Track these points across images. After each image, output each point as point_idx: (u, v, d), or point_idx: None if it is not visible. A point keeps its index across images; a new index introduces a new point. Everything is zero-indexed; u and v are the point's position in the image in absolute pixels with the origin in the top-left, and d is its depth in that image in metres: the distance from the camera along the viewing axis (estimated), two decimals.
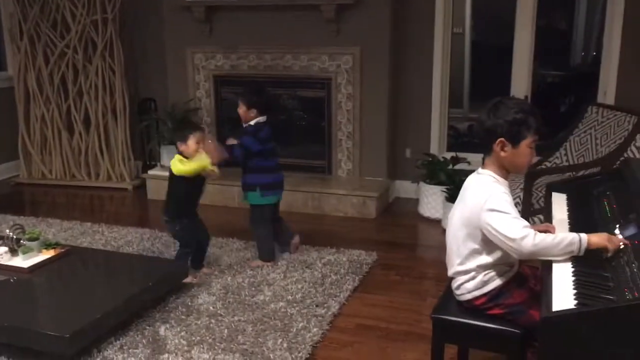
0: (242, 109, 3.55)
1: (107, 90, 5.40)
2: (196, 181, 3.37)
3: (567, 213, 2.38)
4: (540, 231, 2.06)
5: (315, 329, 2.93)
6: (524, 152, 2.04)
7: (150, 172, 5.26)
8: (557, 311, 1.58)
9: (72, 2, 5.28)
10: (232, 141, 3.58)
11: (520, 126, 2.01)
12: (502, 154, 2.05)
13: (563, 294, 1.70)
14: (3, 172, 5.75)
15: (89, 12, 5.26)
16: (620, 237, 1.93)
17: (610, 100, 4.41)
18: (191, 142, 3.29)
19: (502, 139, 2.03)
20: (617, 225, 2.01)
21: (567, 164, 4.01)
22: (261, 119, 3.56)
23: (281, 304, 3.19)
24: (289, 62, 4.91)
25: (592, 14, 6.63)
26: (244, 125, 3.59)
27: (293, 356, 2.70)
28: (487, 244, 2.06)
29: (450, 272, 2.19)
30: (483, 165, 2.14)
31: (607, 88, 4.46)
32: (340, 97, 4.85)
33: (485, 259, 2.09)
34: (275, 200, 3.71)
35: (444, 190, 4.35)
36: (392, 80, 4.78)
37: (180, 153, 3.34)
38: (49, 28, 5.37)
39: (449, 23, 4.81)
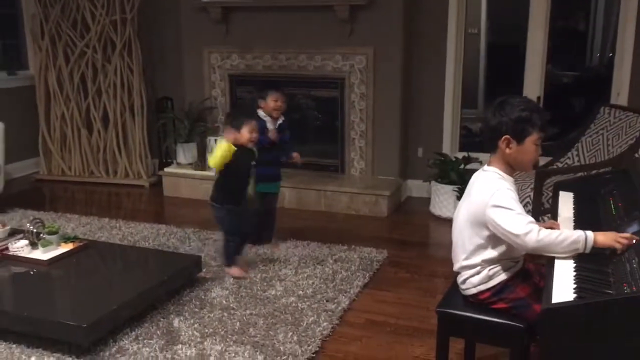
0: (284, 104, 3.82)
1: (125, 89, 5.52)
2: (239, 169, 3.41)
3: (573, 211, 2.42)
4: (545, 228, 2.11)
5: (325, 323, 2.99)
6: (529, 149, 2.08)
7: (167, 169, 5.36)
8: (557, 303, 1.63)
9: (92, 2, 5.40)
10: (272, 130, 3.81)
11: (525, 123, 2.06)
12: (508, 150, 2.09)
13: (564, 287, 1.74)
14: (24, 169, 5.89)
15: (109, 12, 5.38)
16: (629, 234, 1.94)
17: (623, 101, 4.42)
18: (244, 131, 3.35)
19: (507, 136, 2.07)
20: (619, 223, 2.04)
21: (578, 164, 4.03)
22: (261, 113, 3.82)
23: (292, 298, 3.25)
24: (303, 62, 4.97)
25: (610, 15, 6.61)
26: (280, 121, 3.85)
27: (303, 349, 2.76)
28: (492, 239, 2.11)
29: (456, 267, 2.24)
30: (489, 162, 2.19)
31: (621, 89, 4.47)
32: (354, 97, 4.90)
33: (491, 253, 2.13)
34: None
35: (456, 189, 4.39)
36: (404, 80, 4.83)
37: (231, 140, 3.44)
38: (69, 28, 5.50)
39: (462, 23, 4.84)
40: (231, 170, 3.37)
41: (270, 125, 3.78)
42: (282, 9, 4.88)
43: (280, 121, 3.85)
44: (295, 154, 3.90)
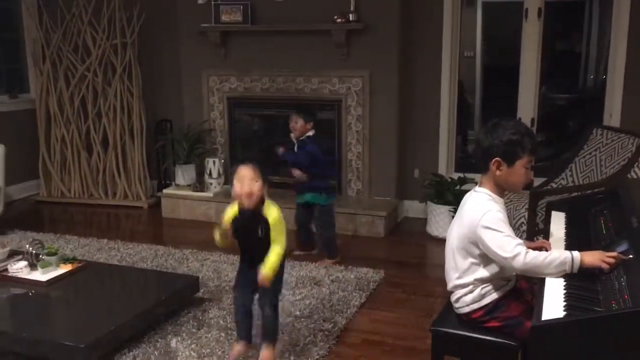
0: (299, 123, 4.01)
1: (125, 112, 5.59)
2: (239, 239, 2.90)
3: (565, 230, 2.46)
4: (536, 247, 2.15)
5: (321, 343, 3.01)
6: (519, 171, 2.13)
7: (165, 191, 5.41)
8: (546, 320, 1.66)
9: (92, 27, 5.50)
10: (282, 150, 4.14)
11: (516, 147, 2.11)
12: (498, 172, 2.14)
13: (553, 305, 1.78)
14: (24, 191, 5.94)
15: (109, 37, 5.47)
16: (615, 253, 1.99)
17: (616, 122, 4.48)
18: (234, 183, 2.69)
19: (497, 158, 2.12)
20: (608, 242, 2.08)
21: (572, 184, 4.07)
22: (312, 132, 4.04)
23: (289, 319, 3.27)
24: (300, 84, 5.05)
25: (603, 38, 6.72)
26: (301, 138, 4.05)
27: None
28: (484, 258, 2.15)
29: (449, 286, 2.28)
30: (480, 183, 2.24)
31: (613, 111, 4.54)
32: (350, 119, 4.97)
33: (483, 272, 2.17)
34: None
35: (451, 210, 4.43)
36: (400, 101, 4.90)
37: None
38: (70, 52, 5.59)
39: (457, 47, 4.93)
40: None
41: (296, 142, 4.09)
42: (280, 33, 4.97)
43: (302, 138, 4.07)
44: (296, 173, 4.08)
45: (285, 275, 3.82)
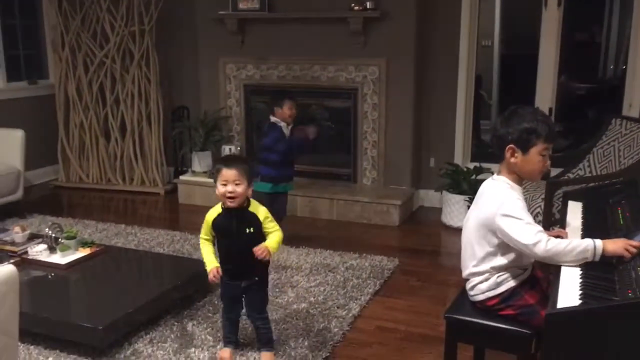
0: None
1: (142, 98, 5.63)
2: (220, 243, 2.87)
3: (582, 220, 2.44)
4: (553, 236, 2.14)
5: (335, 329, 3.03)
6: (534, 159, 2.12)
7: (182, 177, 5.45)
8: (560, 308, 1.66)
9: (111, 14, 5.53)
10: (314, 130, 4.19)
11: (530, 134, 2.09)
12: (513, 160, 2.13)
13: (569, 294, 1.77)
14: (43, 176, 6.02)
15: (127, 23, 5.50)
16: (637, 242, 1.96)
17: (635, 112, 4.43)
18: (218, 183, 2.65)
19: (511, 145, 2.11)
20: (626, 232, 2.06)
21: (590, 175, 4.04)
22: (274, 119, 4.04)
23: (303, 305, 3.30)
24: (316, 72, 5.05)
25: (624, 27, 6.63)
26: (290, 126, 4.05)
27: (313, 354, 2.80)
28: (501, 247, 2.14)
29: (464, 274, 2.27)
30: (498, 172, 2.23)
31: (632, 100, 4.48)
32: (366, 107, 4.96)
33: (499, 261, 2.16)
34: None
35: (467, 199, 4.42)
36: (417, 90, 4.88)
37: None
38: (89, 39, 5.63)
39: (475, 35, 4.89)
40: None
41: (286, 131, 4.00)
42: (297, 20, 4.96)
43: (290, 127, 4.05)
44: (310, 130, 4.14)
45: (297, 260, 3.87)
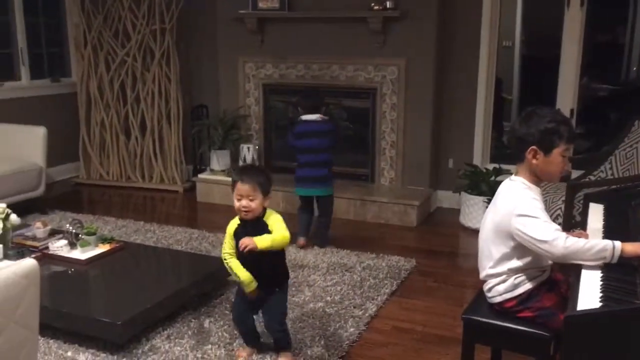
0: None
1: (162, 97, 5.68)
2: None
3: (603, 222, 2.41)
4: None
5: (352, 329, 3.03)
6: (556, 160, 2.09)
7: (201, 175, 5.48)
8: (581, 310, 1.64)
9: (132, 13, 5.59)
10: None
11: (552, 135, 2.07)
12: (534, 161, 2.11)
13: (589, 296, 1.75)
14: (64, 173, 6.09)
15: (148, 22, 5.55)
16: None
17: None
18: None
19: (534, 147, 2.09)
20: None
21: (612, 177, 3.98)
22: (304, 117, 4.02)
23: (320, 304, 3.30)
24: (335, 72, 5.05)
25: None
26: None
27: (329, 353, 2.80)
28: (518, 248, 2.12)
29: (482, 275, 2.26)
30: (516, 172, 2.21)
31: None
32: (385, 107, 4.95)
33: (517, 263, 2.14)
34: (304, 193, 4.12)
35: (486, 200, 4.38)
36: (436, 91, 4.85)
37: None
38: (111, 37, 5.69)
39: (496, 36, 4.85)
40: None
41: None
42: (316, 20, 4.97)
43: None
44: None
45: (314, 259, 3.87)
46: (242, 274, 2.57)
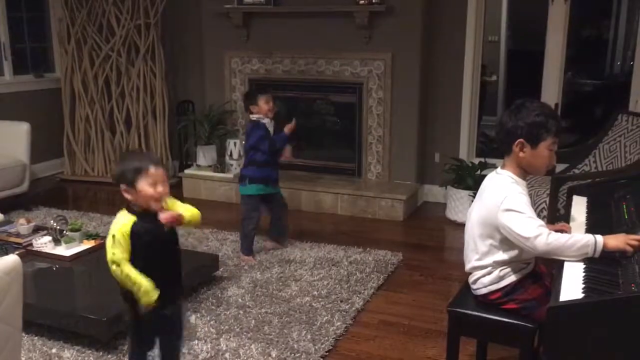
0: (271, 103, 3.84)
1: (148, 92, 5.64)
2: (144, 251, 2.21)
3: (586, 215, 2.43)
4: (556, 231, 2.13)
5: (338, 323, 3.03)
6: (542, 153, 2.10)
7: (187, 171, 5.46)
8: (563, 301, 1.65)
9: (117, 7, 5.54)
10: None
11: (540, 128, 2.08)
12: (521, 154, 2.12)
13: (572, 287, 1.76)
14: (49, 169, 6.04)
15: (133, 17, 5.51)
16: (638, 236, 1.96)
17: None
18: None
19: (521, 139, 2.09)
20: (630, 226, 2.05)
21: (595, 170, 4.02)
22: (255, 116, 3.81)
23: (307, 298, 3.30)
24: (321, 67, 5.04)
25: (632, 23, 6.59)
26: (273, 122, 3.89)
27: (316, 347, 2.81)
28: (504, 241, 2.13)
29: (467, 268, 2.27)
30: (502, 165, 2.22)
31: (639, 96, 4.45)
32: (371, 102, 4.95)
33: (502, 255, 2.16)
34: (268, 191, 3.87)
35: (471, 194, 4.40)
36: (422, 85, 4.86)
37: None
38: (95, 32, 5.64)
39: (481, 30, 4.86)
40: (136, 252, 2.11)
41: (270, 127, 3.82)
42: (302, 14, 4.95)
43: (273, 122, 3.86)
44: (287, 150, 3.90)
45: (301, 254, 3.87)
46: (144, 280, 2.05)
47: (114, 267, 2.08)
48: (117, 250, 2.07)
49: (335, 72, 5.01)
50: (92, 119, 5.80)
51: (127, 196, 2.11)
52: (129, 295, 2.13)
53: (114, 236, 2.08)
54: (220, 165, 5.30)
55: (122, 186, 2.10)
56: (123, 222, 2.10)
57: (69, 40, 5.71)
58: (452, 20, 4.80)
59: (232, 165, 5.26)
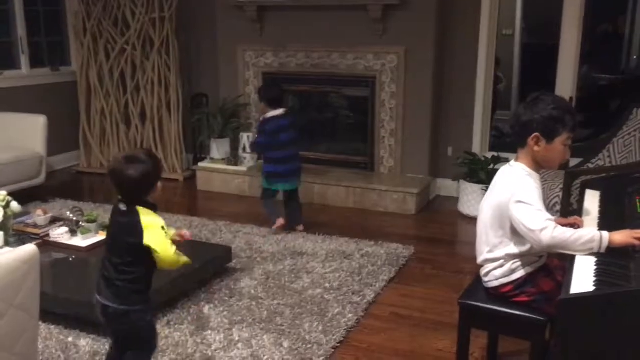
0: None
1: (162, 85, 5.68)
2: None
3: (599, 209, 2.43)
4: (568, 224, 2.13)
5: (350, 315, 3.06)
6: (558, 148, 2.10)
7: (201, 164, 5.50)
8: (574, 293, 1.66)
9: (132, 1, 5.58)
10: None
11: (556, 123, 2.07)
12: (536, 148, 2.11)
13: (583, 280, 1.77)
14: (65, 161, 6.11)
15: (148, 10, 5.54)
16: None
17: None
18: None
19: (537, 133, 2.09)
20: None
21: (610, 165, 3.99)
22: (272, 112, 3.96)
23: (319, 290, 3.33)
24: (335, 60, 5.05)
25: None
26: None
27: (328, 339, 2.83)
28: (516, 234, 2.13)
29: (479, 260, 2.28)
30: (516, 158, 2.22)
31: None
32: (384, 96, 4.95)
33: (514, 248, 2.16)
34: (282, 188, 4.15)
35: (484, 188, 4.39)
36: (435, 79, 4.85)
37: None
38: (110, 26, 5.69)
39: (495, 24, 4.84)
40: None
41: (285, 120, 4.04)
42: (316, 8, 4.96)
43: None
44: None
45: (313, 247, 3.89)
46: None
47: (173, 249, 2.21)
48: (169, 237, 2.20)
49: (348, 66, 5.01)
50: (107, 112, 5.86)
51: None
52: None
53: (163, 227, 2.20)
54: (233, 158, 5.33)
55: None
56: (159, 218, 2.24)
57: (84, 34, 5.76)
58: (466, 14, 4.78)
59: (245, 158, 5.29)
